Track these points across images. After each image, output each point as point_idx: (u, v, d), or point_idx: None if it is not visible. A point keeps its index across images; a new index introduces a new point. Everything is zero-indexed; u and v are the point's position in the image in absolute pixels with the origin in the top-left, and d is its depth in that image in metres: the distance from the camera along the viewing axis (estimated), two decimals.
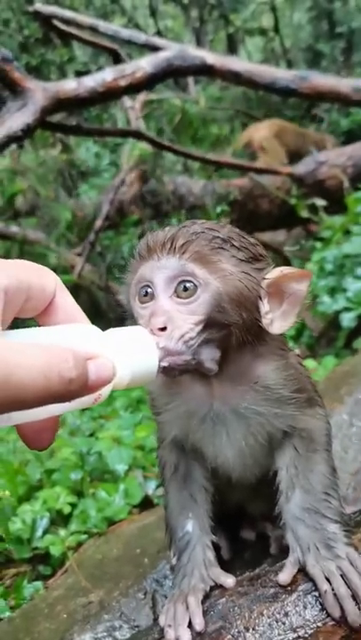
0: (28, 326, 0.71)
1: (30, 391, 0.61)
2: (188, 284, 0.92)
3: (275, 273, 0.97)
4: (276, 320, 0.98)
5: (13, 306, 0.69)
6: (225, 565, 1.22)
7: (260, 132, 6.90)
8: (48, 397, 0.63)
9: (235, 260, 0.95)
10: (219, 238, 0.95)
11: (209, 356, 0.94)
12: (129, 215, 5.35)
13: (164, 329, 0.90)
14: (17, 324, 0.71)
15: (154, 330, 0.89)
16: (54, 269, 0.77)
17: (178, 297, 0.93)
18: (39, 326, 0.75)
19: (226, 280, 0.93)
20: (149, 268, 0.95)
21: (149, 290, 0.95)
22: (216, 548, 1.24)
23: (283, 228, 5.76)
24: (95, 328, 0.76)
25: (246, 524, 1.40)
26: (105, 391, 0.72)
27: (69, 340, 0.70)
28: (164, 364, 0.88)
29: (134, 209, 5.47)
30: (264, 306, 0.97)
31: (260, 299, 0.97)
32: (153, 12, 10.64)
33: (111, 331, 0.80)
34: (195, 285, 0.92)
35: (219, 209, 4.69)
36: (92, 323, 0.78)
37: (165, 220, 5.15)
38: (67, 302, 0.76)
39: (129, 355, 0.77)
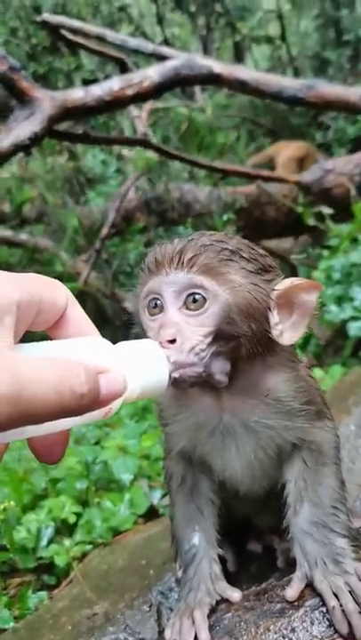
0: (38, 339, 0.71)
1: (42, 406, 0.61)
2: (197, 296, 0.92)
3: (284, 284, 0.97)
4: (286, 331, 0.98)
5: (25, 319, 0.69)
6: (231, 578, 1.22)
7: (286, 151, 6.89)
8: (60, 412, 0.63)
9: (244, 271, 0.95)
10: (227, 250, 0.95)
11: (219, 368, 0.94)
12: (135, 223, 5.37)
13: (173, 341, 0.90)
14: (28, 337, 0.72)
15: (163, 342, 0.89)
16: (61, 276, 0.77)
17: (187, 309, 0.93)
18: (50, 339, 0.75)
19: (235, 291, 0.93)
20: (158, 281, 0.95)
21: (158, 302, 0.96)
22: (222, 560, 1.23)
23: (289, 235, 5.76)
24: (106, 341, 0.76)
25: (253, 536, 1.39)
26: (115, 405, 0.73)
27: (80, 353, 0.70)
28: (175, 375, 0.88)
29: (140, 216, 5.49)
30: (274, 317, 0.97)
31: (270, 310, 0.97)
32: (160, 20, 10.70)
33: (121, 344, 0.80)
34: (203, 297, 0.92)
35: (225, 217, 4.69)
36: (99, 329, 0.79)
37: (171, 228, 5.16)
38: (77, 315, 0.76)
39: (139, 368, 0.78)
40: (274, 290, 0.97)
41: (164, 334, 0.90)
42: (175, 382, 0.88)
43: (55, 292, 0.74)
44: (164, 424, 1.13)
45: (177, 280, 0.93)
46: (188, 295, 0.93)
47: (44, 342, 0.71)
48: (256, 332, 0.95)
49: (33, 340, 0.71)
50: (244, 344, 0.95)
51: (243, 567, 1.34)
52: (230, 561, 1.33)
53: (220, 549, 1.18)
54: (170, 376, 0.84)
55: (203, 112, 7.52)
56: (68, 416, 0.65)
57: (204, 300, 0.92)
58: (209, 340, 0.92)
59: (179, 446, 1.14)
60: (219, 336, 0.92)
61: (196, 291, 0.92)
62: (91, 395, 0.66)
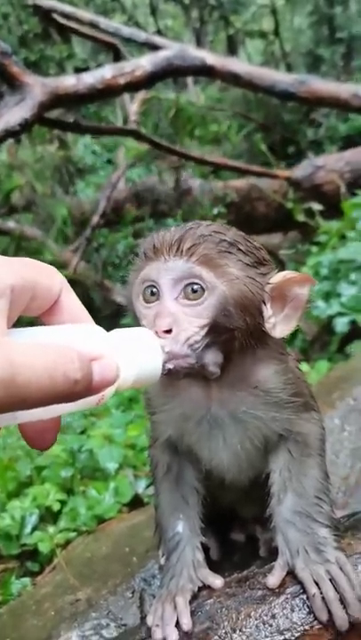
0: (30, 325, 0.71)
1: (35, 391, 0.61)
2: (195, 287, 0.92)
3: (278, 277, 0.97)
4: (279, 324, 0.98)
5: (19, 304, 0.69)
6: (214, 566, 1.22)
7: None
8: (53, 397, 0.63)
9: (241, 264, 0.95)
10: (225, 242, 0.95)
11: (212, 360, 0.94)
12: (125, 213, 5.35)
13: (169, 331, 0.90)
14: (21, 322, 0.71)
15: (159, 331, 0.89)
16: (50, 265, 0.77)
17: (184, 299, 0.92)
18: (43, 325, 0.75)
19: (232, 284, 0.93)
20: (156, 268, 0.94)
21: (155, 290, 0.95)
22: (205, 549, 1.23)
23: (279, 231, 5.78)
24: (100, 328, 0.76)
25: (236, 525, 1.40)
26: (108, 392, 0.72)
27: (74, 339, 0.70)
28: (169, 366, 0.88)
29: (130, 207, 5.47)
30: (267, 310, 0.97)
31: (264, 303, 0.97)
32: (153, 11, 10.63)
33: (115, 331, 0.79)
34: (202, 288, 0.92)
35: (216, 210, 4.70)
36: None
37: (162, 220, 5.15)
38: (72, 302, 0.76)
39: (133, 356, 0.77)
40: (268, 283, 0.97)
41: (160, 323, 0.90)
42: (169, 372, 0.88)
43: (50, 278, 0.73)
44: (152, 412, 1.13)
45: (176, 268, 0.93)
46: (187, 285, 0.92)
47: (38, 327, 0.71)
48: (250, 324, 0.95)
49: (25, 326, 0.70)
50: (237, 336, 0.95)
51: (226, 556, 1.36)
52: (213, 549, 1.34)
53: (204, 538, 1.19)
54: (163, 366, 0.84)
55: (194, 104, 7.49)
56: (61, 402, 0.65)
57: (203, 291, 0.92)
58: (205, 331, 0.91)
59: (165, 435, 1.14)
60: (214, 328, 0.92)
61: (195, 281, 0.92)
62: (84, 381, 0.66)
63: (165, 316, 0.91)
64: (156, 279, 0.94)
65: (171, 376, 0.90)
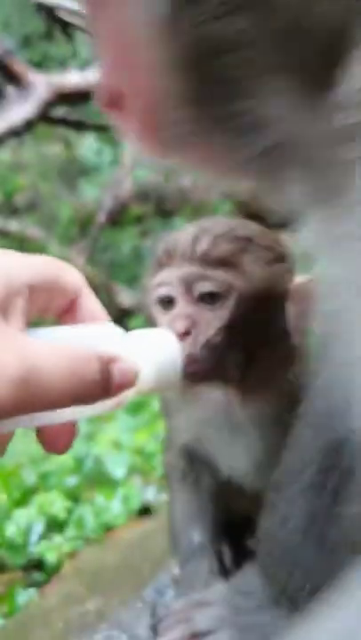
0: (47, 325, 0.69)
1: (53, 392, 0.59)
2: (212, 290, 0.90)
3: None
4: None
5: (37, 303, 0.68)
6: (228, 575, 1.18)
7: None
8: (70, 399, 0.62)
9: (260, 261, 0.93)
10: (242, 239, 0.93)
11: (232, 362, 0.92)
12: (130, 212, 5.33)
13: (187, 334, 0.88)
14: (38, 322, 0.70)
15: (177, 334, 0.85)
16: None
17: (201, 301, 0.91)
18: (61, 325, 0.74)
19: (250, 283, 0.91)
20: (169, 274, 0.93)
21: (171, 295, 0.94)
22: (220, 556, 1.20)
23: (288, 226, 5.73)
24: (119, 329, 0.74)
25: (251, 532, 1.36)
26: (127, 395, 0.70)
27: (93, 340, 0.68)
28: (190, 370, 0.85)
29: (135, 207, 5.44)
30: (286, 310, 0.95)
31: (283, 302, 0.95)
32: None
33: (135, 332, 0.77)
34: (219, 290, 0.90)
35: (223, 208, 4.66)
36: None
37: (168, 219, 5.12)
38: (90, 302, 0.74)
39: (153, 359, 0.75)
40: (289, 282, 0.96)
41: (177, 326, 0.88)
42: (188, 376, 0.85)
43: (68, 277, 0.71)
44: (169, 416, 1.11)
45: (191, 273, 0.91)
46: (203, 288, 0.91)
47: (56, 327, 0.70)
48: (269, 324, 0.94)
49: (44, 326, 0.69)
50: (257, 337, 0.94)
51: (240, 564, 1.32)
52: (228, 557, 1.30)
53: (220, 546, 1.17)
54: (183, 369, 0.81)
55: None
56: (79, 404, 0.63)
57: (220, 293, 0.90)
58: (224, 333, 0.90)
59: (182, 440, 1.12)
60: (233, 329, 0.91)
61: (212, 284, 0.91)
62: (103, 383, 0.64)
63: (183, 319, 0.89)
64: (172, 285, 0.93)
65: (191, 380, 0.88)
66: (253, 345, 0.94)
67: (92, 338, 0.69)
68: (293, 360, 1.01)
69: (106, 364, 0.64)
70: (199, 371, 0.89)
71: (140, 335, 0.77)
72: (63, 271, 0.71)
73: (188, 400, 1.05)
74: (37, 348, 0.60)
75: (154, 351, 0.76)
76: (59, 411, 0.62)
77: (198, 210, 4.90)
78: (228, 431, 1.04)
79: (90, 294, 0.74)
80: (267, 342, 0.95)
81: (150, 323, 1.01)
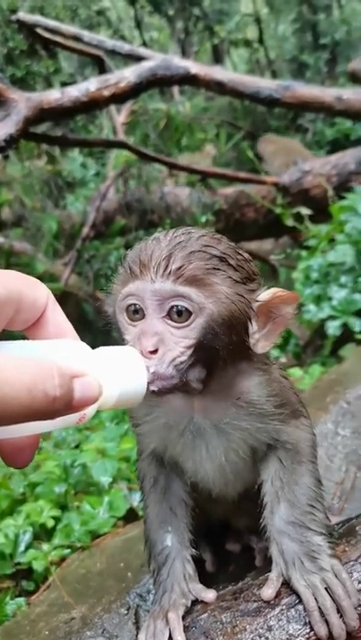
0: (14, 339, 0.69)
1: (13, 407, 0.60)
2: (182, 308, 0.89)
3: (267, 295, 0.96)
4: (261, 340, 0.97)
5: (3, 317, 0.68)
6: (209, 578, 1.21)
7: None
8: (31, 414, 0.62)
9: (230, 280, 0.92)
10: (215, 257, 0.92)
11: (195, 377, 0.92)
12: (115, 224, 5.35)
13: (154, 351, 0.88)
14: (4, 336, 0.70)
15: (144, 352, 0.87)
16: (41, 278, 0.76)
17: (170, 319, 0.90)
18: (27, 339, 0.73)
19: (221, 303, 0.91)
20: (142, 287, 0.91)
21: (139, 307, 0.92)
22: (200, 561, 1.22)
23: (269, 237, 5.78)
24: (84, 345, 0.74)
25: (231, 536, 1.38)
26: (90, 411, 0.71)
27: (57, 355, 0.68)
28: (153, 387, 0.86)
29: (120, 219, 5.47)
30: (253, 326, 0.96)
31: (250, 319, 0.95)
32: (138, 24, 10.71)
33: (101, 349, 0.78)
34: (189, 310, 0.89)
35: (204, 218, 4.70)
36: (79, 332, 0.77)
37: (151, 230, 5.14)
38: (57, 317, 0.74)
39: (117, 375, 0.76)
40: (256, 300, 0.96)
41: (145, 344, 0.88)
42: (153, 393, 0.86)
43: (36, 291, 0.72)
44: (135, 424, 1.11)
45: (163, 289, 0.89)
46: (173, 306, 0.90)
47: (20, 342, 0.70)
48: (235, 341, 0.94)
49: (8, 339, 0.69)
50: (221, 352, 0.93)
51: (221, 567, 1.34)
52: (209, 561, 1.32)
53: (194, 550, 1.16)
54: (148, 386, 0.82)
55: (181, 109, 7.54)
56: (40, 419, 0.63)
57: (190, 312, 0.89)
58: (190, 351, 0.89)
59: (150, 447, 1.12)
60: (199, 347, 0.90)
61: (182, 303, 0.89)
62: (64, 398, 0.64)
63: (151, 336, 0.89)
64: (143, 298, 0.91)
65: (155, 395, 0.88)
66: (216, 359, 0.94)
67: (57, 353, 0.69)
68: (255, 369, 1.02)
69: (68, 379, 0.65)
70: (163, 388, 0.88)
71: (106, 352, 0.78)
72: (30, 285, 0.71)
73: (152, 406, 1.05)
74: (0, 362, 0.60)
75: (119, 368, 0.77)
76: (20, 425, 0.62)
77: (181, 221, 4.95)
78: (190, 436, 1.05)
79: (57, 309, 0.74)
80: (229, 357, 0.95)
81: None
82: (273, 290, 0.97)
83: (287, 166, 5.40)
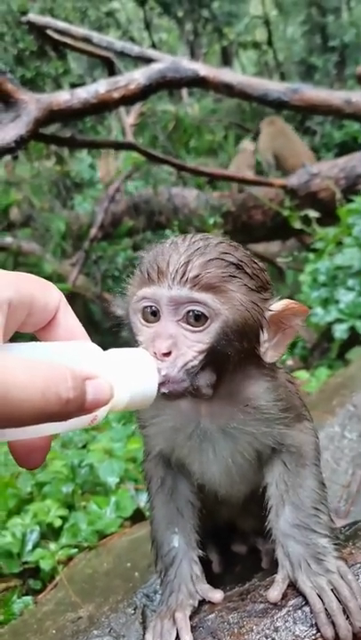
0: (26, 340, 0.70)
1: (27, 409, 0.60)
2: (198, 313, 0.90)
3: (279, 306, 0.97)
4: (270, 349, 0.98)
5: (15, 319, 0.69)
6: (215, 579, 1.21)
7: None
8: (44, 416, 0.62)
9: (245, 288, 0.94)
10: (232, 265, 0.94)
11: (206, 382, 0.93)
12: (123, 225, 5.37)
13: (167, 354, 0.89)
14: (16, 338, 0.71)
15: (157, 353, 0.88)
16: (49, 278, 0.77)
17: (186, 323, 0.91)
18: (39, 341, 0.74)
19: (236, 310, 0.92)
20: (159, 292, 0.92)
21: (155, 309, 0.93)
22: (207, 562, 1.23)
23: (277, 239, 5.79)
24: (96, 347, 0.75)
25: (238, 537, 1.39)
26: (102, 412, 0.72)
27: (69, 358, 0.69)
28: (164, 390, 0.87)
29: (128, 220, 5.49)
30: (263, 335, 0.97)
31: (261, 328, 0.97)
32: (147, 26, 10.73)
33: (112, 351, 0.78)
34: (205, 315, 0.90)
35: (212, 220, 4.71)
36: (87, 332, 0.78)
37: (158, 232, 5.16)
38: (69, 319, 0.75)
39: (129, 377, 0.77)
40: (269, 310, 0.97)
41: (159, 346, 0.89)
42: (163, 395, 0.87)
43: (47, 294, 0.73)
44: (142, 426, 1.12)
45: (180, 295, 0.90)
46: (190, 311, 0.91)
47: (33, 343, 0.70)
48: (246, 348, 0.95)
49: (22, 341, 0.70)
50: (232, 358, 0.94)
51: (228, 568, 1.34)
52: (215, 562, 1.33)
53: (201, 551, 1.17)
54: (158, 389, 0.83)
55: (190, 111, 7.55)
56: (53, 421, 0.64)
57: (205, 317, 0.90)
58: (202, 356, 0.90)
59: (157, 449, 1.13)
60: (211, 352, 0.91)
61: (198, 308, 0.90)
62: (76, 401, 0.65)
63: (165, 339, 0.90)
64: (159, 302, 0.92)
65: (165, 398, 0.89)
66: (227, 364, 0.95)
67: (69, 355, 0.70)
68: (262, 375, 1.03)
69: (80, 382, 0.65)
70: (174, 391, 0.89)
71: (118, 354, 0.79)
72: (42, 288, 0.72)
73: (160, 408, 1.06)
74: (14, 365, 0.61)
75: (130, 370, 0.78)
76: (32, 426, 0.63)
77: (188, 223, 4.96)
78: (197, 439, 1.06)
79: (69, 311, 0.75)
80: (240, 363, 0.96)
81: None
82: (285, 301, 0.98)
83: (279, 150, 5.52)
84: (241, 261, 0.95)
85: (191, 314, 0.90)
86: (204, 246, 0.94)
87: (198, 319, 0.90)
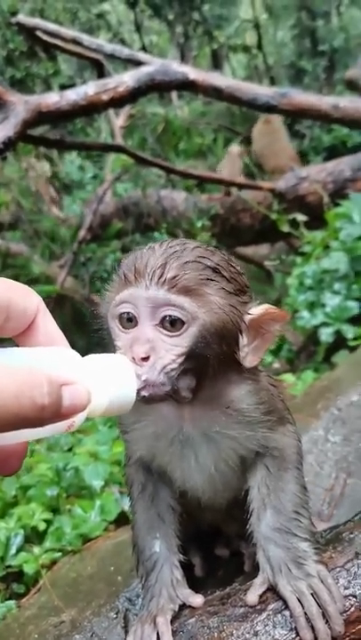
0: (4, 346, 0.70)
1: (1, 415, 0.60)
2: (174, 317, 0.90)
3: (259, 310, 0.97)
4: (249, 354, 0.99)
5: None
6: (198, 583, 1.21)
7: None
8: (19, 422, 0.62)
9: (223, 292, 0.94)
10: (209, 268, 0.93)
11: (185, 385, 0.93)
12: (111, 227, 5.37)
13: (146, 358, 0.88)
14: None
15: (136, 358, 0.88)
16: (37, 280, 0.76)
17: (163, 327, 0.91)
18: (17, 347, 0.74)
19: (213, 314, 0.92)
20: (136, 294, 0.92)
21: (132, 313, 0.93)
22: (189, 566, 1.23)
23: (265, 242, 5.81)
24: (74, 353, 0.74)
25: (220, 541, 1.39)
26: (79, 418, 0.71)
27: (46, 363, 0.69)
28: (144, 393, 0.87)
29: (117, 222, 5.49)
30: (243, 339, 0.97)
31: (240, 332, 0.97)
32: (138, 28, 10.74)
33: (91, 357, 0.78)
34: (182, 320, 0.90)
35: (200, 223, 4.72)
36: (74, 335, 0.77)
37: (148, 233, 5.16)
38: (48, 325, 0.75)
39: (107, 383, 0.76)
40: (248, 314, 0.97)
41: (137, 351, 0.88)
42: (143, 399, 0.87)
43: (26, 299, 0.72)
44: (124, 431, 1.12)
45: (157, 297, 0.90)
46: (166, 316, 0.90)
47: (10, 349, 0.70)
48: (225, 352, 0.95)
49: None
50: (211, 362, 0.94)
51: (210, 572, 1.34)
52: (198, 566, 1.33)
53: (182, 555, 1.17)
54: (138, 393, 0.83)
55: (179, 113, 7.57)
56: (29, 427, 0.63)
57: (183, 321, 0.90)
58: (181, 359, 0.90)
59: (138, 454, 1.13)
60: (190, 356, 0.91)
61: (175, 313, 0.90)
62: (52, 406, 0.64)
63: (143, 343, 0.89)
64: (136, 305, 0.92)
65: (145, 402, 0.89)
66: (206, 368, 0.95)
67: (46, 360, 0.70)
68: (244, 378, 1.03)
69: (56, 387, 0.65)
70: (154, 395, 0.89)
71: (96, 359, 0.78)
72: (19, 293, 0.72)
73: (141, 414, 1.05)
74: None
75: (108, 376, 0.77)
76: (7, 432, 0.62)
77: (177, 225, 4.96)
78: (179, 445, 1.05)
79: (48, 316, 0.74)
80: (219, 366, 0.96)
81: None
82: (265, 306, 0.98)
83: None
84: (218, 265, 0.95)
85: (168, 318, 0.90)
86: (180, 250, 0.94)
87: (174, 324, 0.90)
